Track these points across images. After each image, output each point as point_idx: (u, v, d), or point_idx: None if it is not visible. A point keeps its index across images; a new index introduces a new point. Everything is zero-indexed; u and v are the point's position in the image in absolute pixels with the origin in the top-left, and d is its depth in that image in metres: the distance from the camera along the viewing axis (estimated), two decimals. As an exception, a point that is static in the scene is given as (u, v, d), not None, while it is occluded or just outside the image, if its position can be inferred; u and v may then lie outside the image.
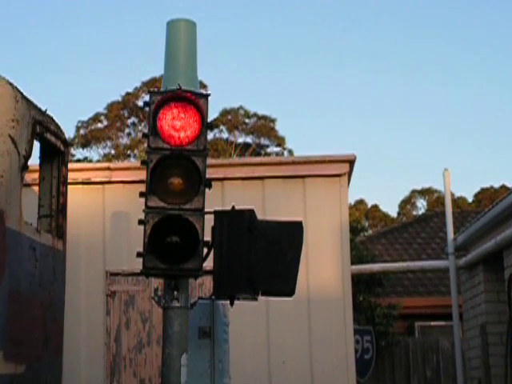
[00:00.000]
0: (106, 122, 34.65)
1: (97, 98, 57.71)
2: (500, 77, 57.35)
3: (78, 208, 8.43)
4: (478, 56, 58.13)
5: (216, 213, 4.84)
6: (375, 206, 40.08)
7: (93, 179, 8.98)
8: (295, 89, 55.64)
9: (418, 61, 57.78)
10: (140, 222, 4.63)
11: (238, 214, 4.88)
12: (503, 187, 33.74)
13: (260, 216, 5.01)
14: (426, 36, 58.25)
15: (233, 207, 4.92)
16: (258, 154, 32.81)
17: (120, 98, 34.34)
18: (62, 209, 6.49)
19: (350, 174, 9.11)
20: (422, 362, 16.02)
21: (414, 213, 39.53)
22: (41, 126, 5.99)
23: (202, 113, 4.69)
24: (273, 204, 8.72)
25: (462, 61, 58.05)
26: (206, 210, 4.66)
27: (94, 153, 34.45)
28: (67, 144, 6.63)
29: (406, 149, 58.72)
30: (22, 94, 5.71)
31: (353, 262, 10.87)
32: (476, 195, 38.20)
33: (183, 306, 4.75)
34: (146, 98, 4.80)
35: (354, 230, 17.48)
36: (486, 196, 35.86)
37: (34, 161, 6.20)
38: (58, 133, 6.37)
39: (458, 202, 35.49)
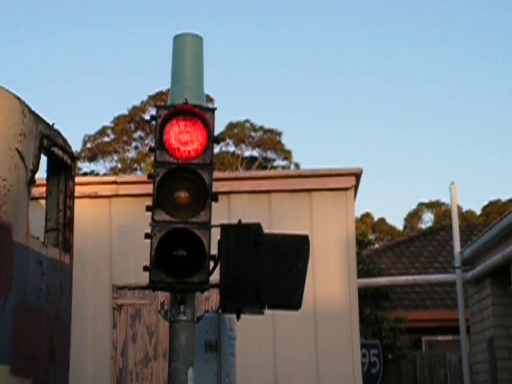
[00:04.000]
0: (112, 136, 34.72)
1: (103, 112, 57.94)
2: (509, 88, 57.37)
3: (85, 222, 8.45)
4: (486, 66, 58.17)
5: (222, 226, 4.84)
6: (382, 220, 40.02)
7: (100, 193, 9.00)
8: (301, 102, 55.77)
9: (424, 72, 57.87)
10: (146, 235, 4.63)
11: (244, 227, 4.88)
12: (512, 201, 33.63)
13: (266, 229, 5.01)
14: (434, 45, 58.36)
15: (239, 221, 4.93)
16: (265, 168, 32.82)
17: (127, 112, 34.43)
18: (68, 222, 6.51)
19: (356, 187, 9.11)
20: (430, 377, 15.95)
21: (421, 226, 39.46)
22: (48, 140, 6.02)
23: (208, 127, 4.70)
24: (279, 217, 8.72)
25: (470, 71, 58.11)
26: (212, 223, 4.66)
27: (101, 166, 34.54)
28: (74, 158, 6.65)
29: (413, 161, 58.72)
30: (29, 108, 5.74)
31: (359, 276, 10.87)
32: (484, 208, 38.11)
33: (189, 320, 4.75)
34: (153, 111, 4.83)
35: (361, 243, 17.46)
36: (495, 209, 35.74)
37: (41, 175, 6.23)
38: (65, 147, 6.39)
39: (466, 216, 35.42)
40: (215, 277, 4.77)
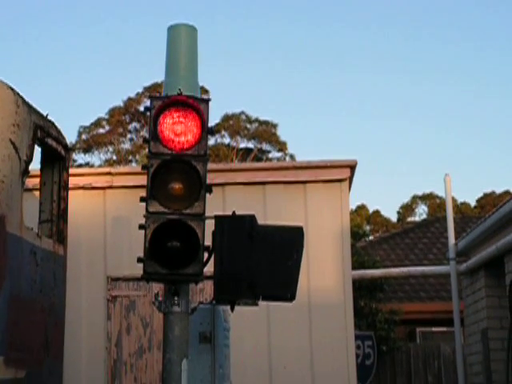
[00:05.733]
0: (107, 128, 34.66)
1: (99, 104, 57.76)
2: (503, 81, 57.39)
3: (79, 213, 8.44)
4: (480, 58, 58.16)
5: (216, 218, 4.83)
6: (377, 211, 40.06)
7: (94, 184, 8.99)
8: (297, 94, 55.70)
9: (418, 64, 57.83)
10: (140, 226, 4.63)
11: (238, 218, 4.88)
12: (506, 192, 33.70)
13: (261, 221, 5.00)
14: (426, 38, 58.32)
15: (233, 212, 4.92)
16: (260, 160, 32.79)
17: (122, 104, 34.37)
18: (62, 214, 6.49)
19: (351, 179, 9.11)
20: (424, 368, 16.00)
21: (416, 218, 39.50)
22: (42, 130, 6.00)
23: (202, 118, 4.69)
24: (274, 209, 8.72)
25: (464, 64, 58.09)
26: (206, 214, 4.66)
27: (96, 158, 34.49)
28: (68, 149, 6.63)
29: (407, 154, 58.75)
30: (23, 98, 5.71)
31: (354, 268, 10.87)
32: (478, 200, 38.18)
33: (184, 311, 4.75)
34: (148, 103, 4.80)
35: (356, 235, 17.49)
36: (489, 201, 35.82)
37: (35, 166, 6.21)
38: (58, 138, 6.37)
39: (460, 208, 35.48)
40: (209, 268, 4.77)
